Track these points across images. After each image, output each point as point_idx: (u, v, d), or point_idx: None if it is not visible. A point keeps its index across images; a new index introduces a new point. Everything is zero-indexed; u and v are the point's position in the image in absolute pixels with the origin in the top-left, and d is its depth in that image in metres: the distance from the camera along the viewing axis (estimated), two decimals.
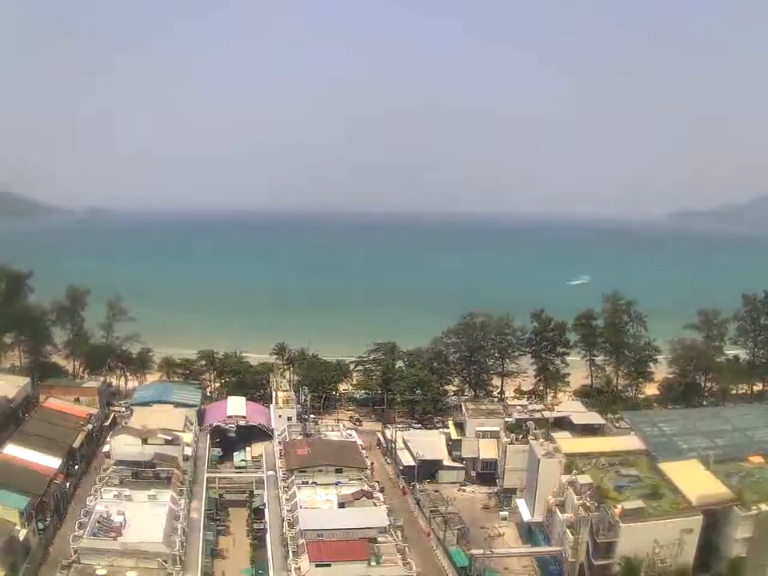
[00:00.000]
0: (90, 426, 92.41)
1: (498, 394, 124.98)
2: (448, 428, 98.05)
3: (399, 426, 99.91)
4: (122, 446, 76.60)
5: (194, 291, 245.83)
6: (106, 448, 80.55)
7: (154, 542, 58.02)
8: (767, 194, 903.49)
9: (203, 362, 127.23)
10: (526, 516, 74.07)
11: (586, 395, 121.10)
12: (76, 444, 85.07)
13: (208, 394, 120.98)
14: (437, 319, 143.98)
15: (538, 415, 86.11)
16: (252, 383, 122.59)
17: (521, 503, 76.42)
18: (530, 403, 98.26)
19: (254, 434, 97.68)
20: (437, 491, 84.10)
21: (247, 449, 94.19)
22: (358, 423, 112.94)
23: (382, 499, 71.38)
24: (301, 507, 66.34)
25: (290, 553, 60.09)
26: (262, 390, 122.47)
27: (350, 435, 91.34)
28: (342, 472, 76.12)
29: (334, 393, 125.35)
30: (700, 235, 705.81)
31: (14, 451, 73.46)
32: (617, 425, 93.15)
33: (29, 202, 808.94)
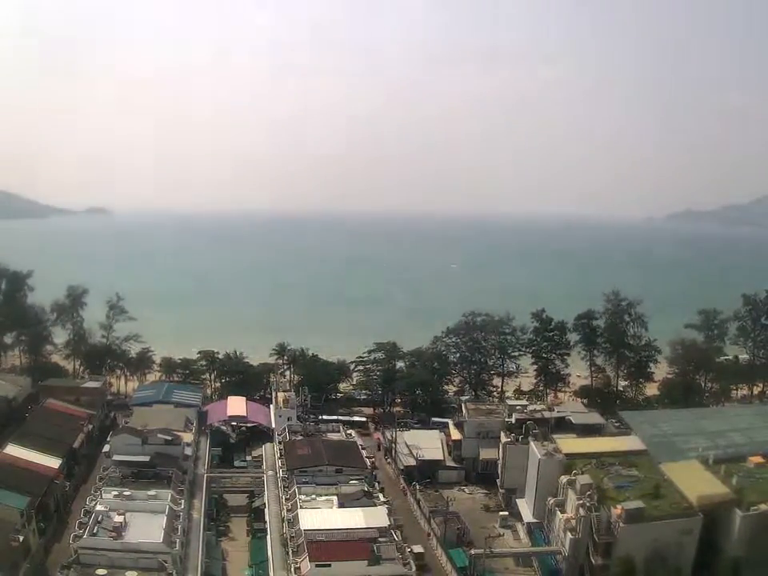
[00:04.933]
0: (90, 426, 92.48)
1: (497, 394, 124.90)
2: (448, 428, 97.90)
3: (399, 427, 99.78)
4: (122, 445, 76.61)
5: (195, 291, 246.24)
6: (106, 448, 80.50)
7: (154, 541, 58.02)
8: None
9: (203, 362, 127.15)
10: (527, 516, 74.03)
11: (586, 395, 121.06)
12: (76, 444, 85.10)
13: (208, 394, 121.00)
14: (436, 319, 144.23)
15: (538, 415, 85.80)
16: (252, 383, 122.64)
17: (521, 503, 76.37)
18: (530, 403, 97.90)
19: (254, 434, 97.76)
20: (437, 491, 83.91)
21: (247, 449, 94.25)
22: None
23: (382, 499, 71.41)
24: (301, 507, 66.33)
25: (290, 553, 60.04)
26: (262, 391, 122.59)
27: (350, 435, 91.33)
28: (342, 472, 76.11)
29: (334, 393, 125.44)
30: (693, 236, 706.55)
31: (15, 451, 73.40)
32: (617, 425, 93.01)
33: (31, 203, 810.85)
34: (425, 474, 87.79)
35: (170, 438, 79.06)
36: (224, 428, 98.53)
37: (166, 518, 62.19)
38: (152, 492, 66.65)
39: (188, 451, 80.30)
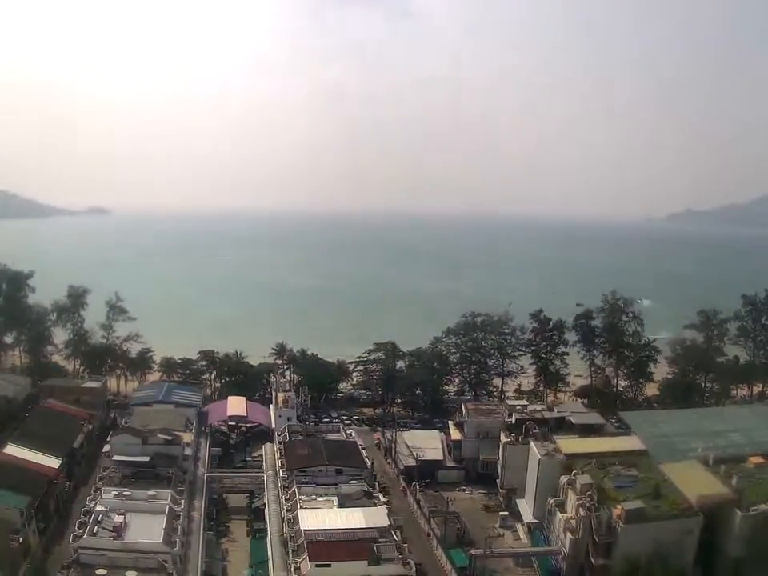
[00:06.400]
0: (90, 426, 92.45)
1: (497, 394, 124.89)
2: (448, 428, 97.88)
3: (399, 427, 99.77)
4: (122, 445, 76.59)
5: (195, 291, 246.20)
6: (106, 448, 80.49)
7: (154, 541, 58.04)
8: None
9: (203, 362, 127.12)
10: (527, 516, 73.97)
11: (586, 395, 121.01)
12: (76, 444, 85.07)
13: (208, 394, 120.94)
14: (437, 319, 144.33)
15: (538, 415, 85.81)
16: (252, 383, 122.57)
17: (521, 503, 76.33)
18: (530, 403, 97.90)
19: (254, 434, 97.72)
20: (437, 492, 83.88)
21: (247, 449, 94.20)
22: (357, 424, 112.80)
23: (382, 499, 71.35)
24: (301, 507, 66.31)
25: (290, 553, 60.04)
26: (262, 391, 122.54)
27: (350, 435, 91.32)
28: (341, 472, 76.09)
29: (334, 393, 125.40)
30: (693, 236, 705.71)
31: (15, 451, 73.38)
32: (617, 425, 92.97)
33: (32, 204, 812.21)
34: (425, 474, 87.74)
35: (170, 438, 79.04)
36: (224, 428, 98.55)
37: (165, 518, 62.22)
38: (152, 492, 66.70)
39: (188, 451, 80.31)
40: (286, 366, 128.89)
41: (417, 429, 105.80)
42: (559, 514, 65.91)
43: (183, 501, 68.19)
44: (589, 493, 62.30)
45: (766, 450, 69.50)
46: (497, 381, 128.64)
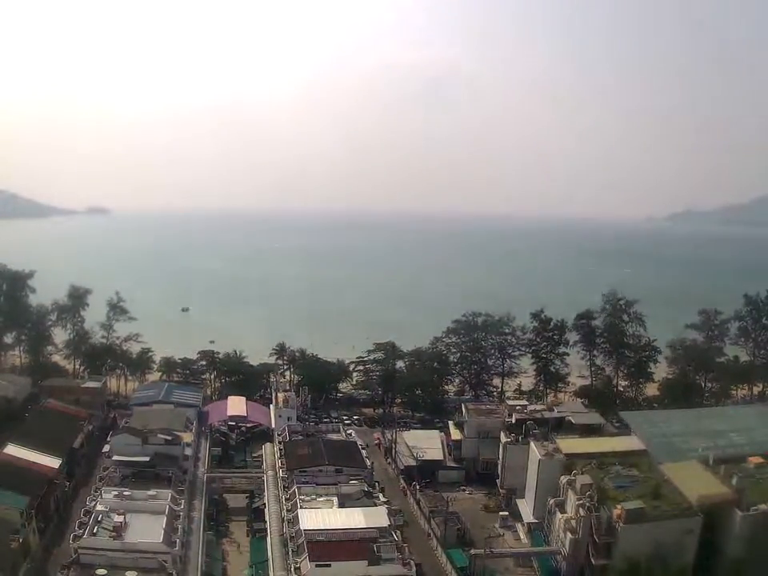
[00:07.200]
0: (90, 426, 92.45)
1: (497, 394, 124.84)
2: (448, 428, 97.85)
3: (399, 427, 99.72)
4: (122, 446, 76.57)
5: (194, 291, 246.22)
6: (106, 448, 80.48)
7: (154, 541, 58.04)
8: None
9: (203, 362, 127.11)
10: (527, 516, 73.95)
11: (586, 395, 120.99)
12: (76, 444, 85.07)
13: (208, 394, 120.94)
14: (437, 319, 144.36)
15: (538, 415, 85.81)
16: (252, 383, 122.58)
17: (521, 503, 76.32)
18: (530, 403, 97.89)
19: (254, 434, 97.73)
20: (437, 491, 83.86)
21: (247, 449, 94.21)
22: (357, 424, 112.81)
23: (382, 499, 71.32)
24: (301, 507, 66.31)
25: (290, 553, 60.04)
26: (262, 391, 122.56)
27: (350, 435, 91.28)
28: (342, 472, 76.06)
29: (334, 393, 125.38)
30: (693, 236, 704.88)
31: (15, 451, 73.39)
32: (617, 425, 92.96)
33: (31, 204, 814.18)
34: (425, 474, 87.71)
35: (170, 437, 79.07)
36: (224, 428, 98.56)
37: (165, 518, 62.23)
38: (152, 492, 66.70)
39: (188, 451, 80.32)
40: (286, 366, 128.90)
41: (417, 429, 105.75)
42: (559, 514, 65.89)
43: (183, 501, 68.18)
44: (589, 493, 62.31)
45: (766, 450, 69.51)
46: (497, 381, 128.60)
